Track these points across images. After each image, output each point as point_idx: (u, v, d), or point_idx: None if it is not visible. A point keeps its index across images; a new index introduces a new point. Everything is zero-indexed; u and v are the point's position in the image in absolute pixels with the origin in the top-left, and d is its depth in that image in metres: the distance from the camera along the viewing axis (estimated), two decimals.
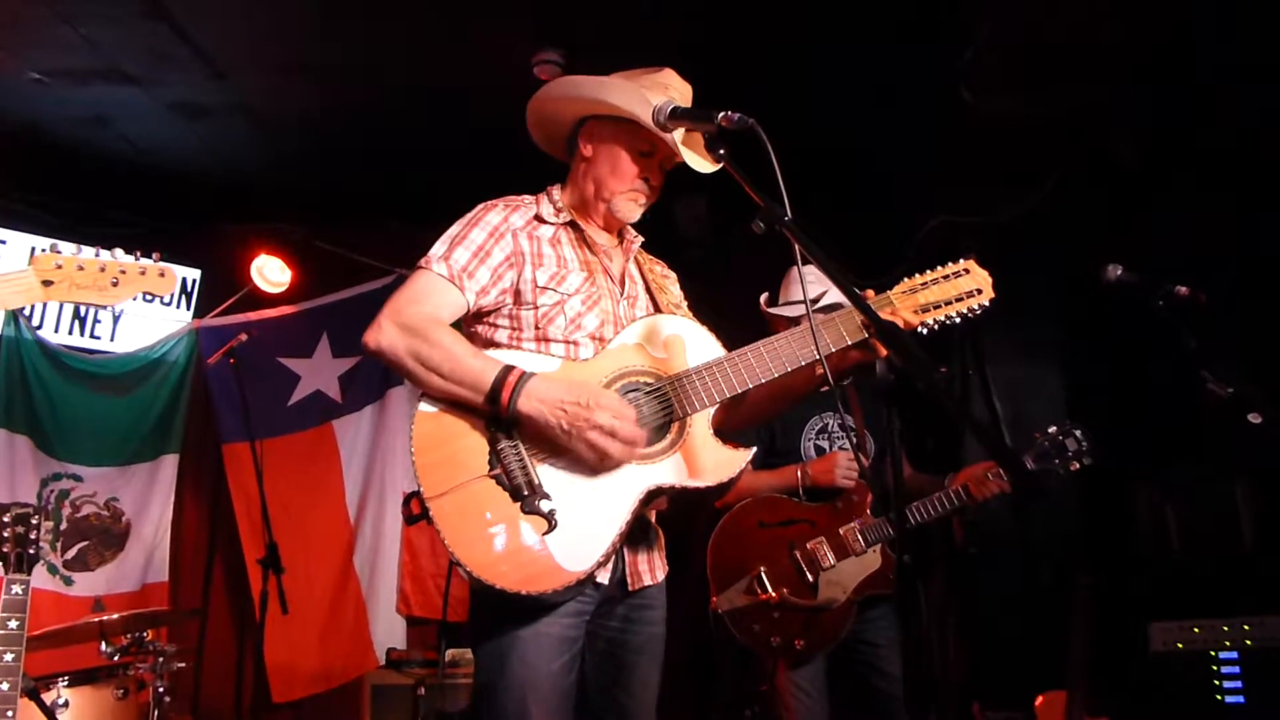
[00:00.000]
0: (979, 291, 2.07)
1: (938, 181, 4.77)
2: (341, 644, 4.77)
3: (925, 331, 2.06)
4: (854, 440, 3.08)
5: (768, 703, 3.05)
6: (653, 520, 2.16)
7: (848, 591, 2.94)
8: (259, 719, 4.36)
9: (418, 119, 4.49)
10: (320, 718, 4.75)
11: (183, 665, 3.61)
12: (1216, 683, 3.58)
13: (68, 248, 1.97)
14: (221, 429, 4.95)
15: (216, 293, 5.10)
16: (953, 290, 2.06)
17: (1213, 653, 3.61)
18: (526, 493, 1.87)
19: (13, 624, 2.41)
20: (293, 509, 4.70)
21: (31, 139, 4.60)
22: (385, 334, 1.94)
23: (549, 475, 1.90)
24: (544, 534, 1.86)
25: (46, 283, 1.88)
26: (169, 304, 5.18)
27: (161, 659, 3.42)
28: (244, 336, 4.35)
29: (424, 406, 1.93)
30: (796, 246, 1.66)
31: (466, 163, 4.65)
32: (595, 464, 1.89)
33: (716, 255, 4.82)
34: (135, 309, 5.04)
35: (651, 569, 2.11)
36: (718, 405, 1.98)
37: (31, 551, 2.51)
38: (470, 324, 2.10)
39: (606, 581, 2.00)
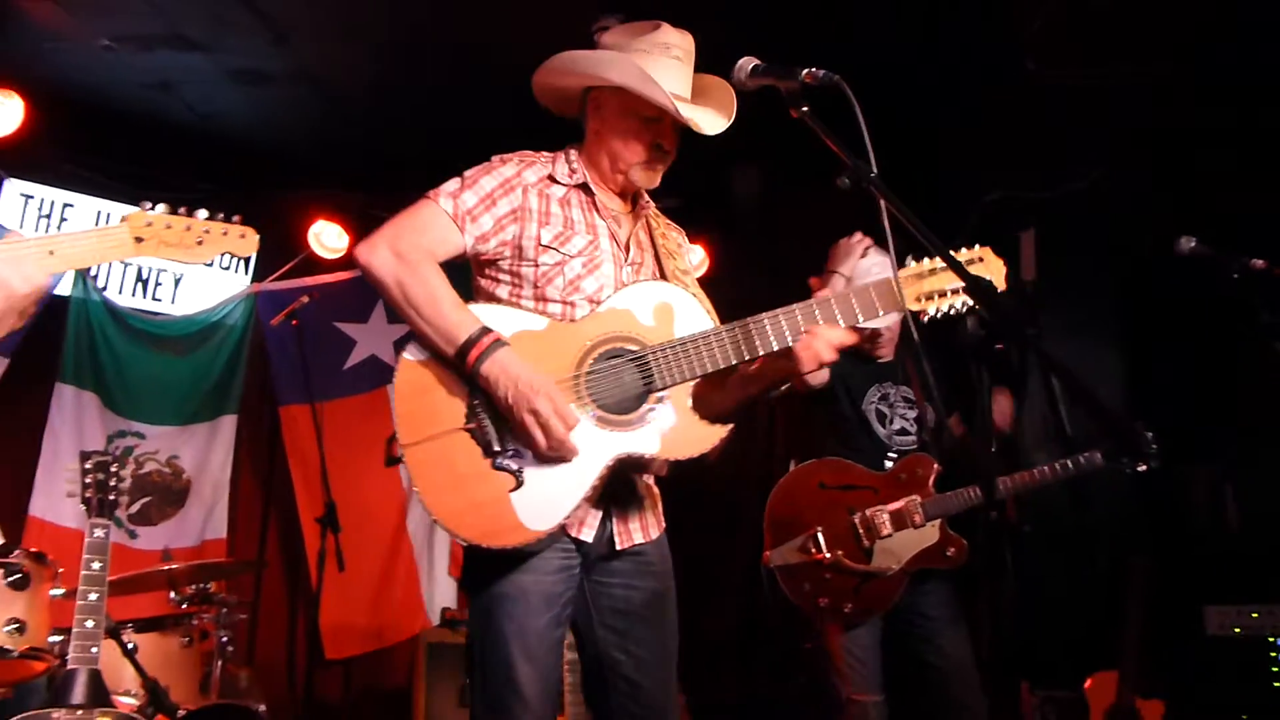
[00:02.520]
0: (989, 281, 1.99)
1: (994, 156, 4.71)
2: (394, 604, 4.86)
3: (926, 320, 2.01)
4: (936, 408, 3.06)
5: (816, 665, 3.07)
6: (649, 482, 2.19)
7: (902, 562, 2.94)
8: (313, 673, 4.47)
9: (475, 86, 4.51)
10: (377, 674, 4.86)
11: (243, 617, 3.70)
12: (1275, 669, 3.54)
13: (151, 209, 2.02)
14: (279, 392, 5.03)
15: (274, 258, 5.17)
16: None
17: (1271, 638, 3.56)
18: (498, 448, 1.93)
19: (96, 565, 2.51)
20: (347, 471, 4.76)
21: (98, 105, 4.68)
22: (378, 254, 2.01)
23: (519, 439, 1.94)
24: (510, 490, 1.92)
25: (138, 239, 1.93)
26: (227, 268, 5.28)
27: (225, 610, 3.52)
28: (305, 299, 4.42)
29: (408, 355, 2.00)
30: (883, 204, 1.65)
31: (523, 131, 4.64)
32: (527, 444, 1.92)
33: (770, 224, 4.80)
34: (195, 272, 5.14)
35: (644, 528, 2.13)
36: (697, 379, 1.99)
37: (111, 498, 2.60)
38: (476, 277, 2.15)
39: (590, 540, 2.04)
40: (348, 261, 5.15)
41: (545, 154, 2.21)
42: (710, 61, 2.23)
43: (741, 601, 3.71)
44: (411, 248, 2.01)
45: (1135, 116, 4.26)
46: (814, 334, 1.93)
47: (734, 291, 4.97)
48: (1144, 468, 2.87)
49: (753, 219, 4.75)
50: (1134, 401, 4.41)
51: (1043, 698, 3.89)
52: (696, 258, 5.20)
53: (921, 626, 3.02)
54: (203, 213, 2.07)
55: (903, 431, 3.15)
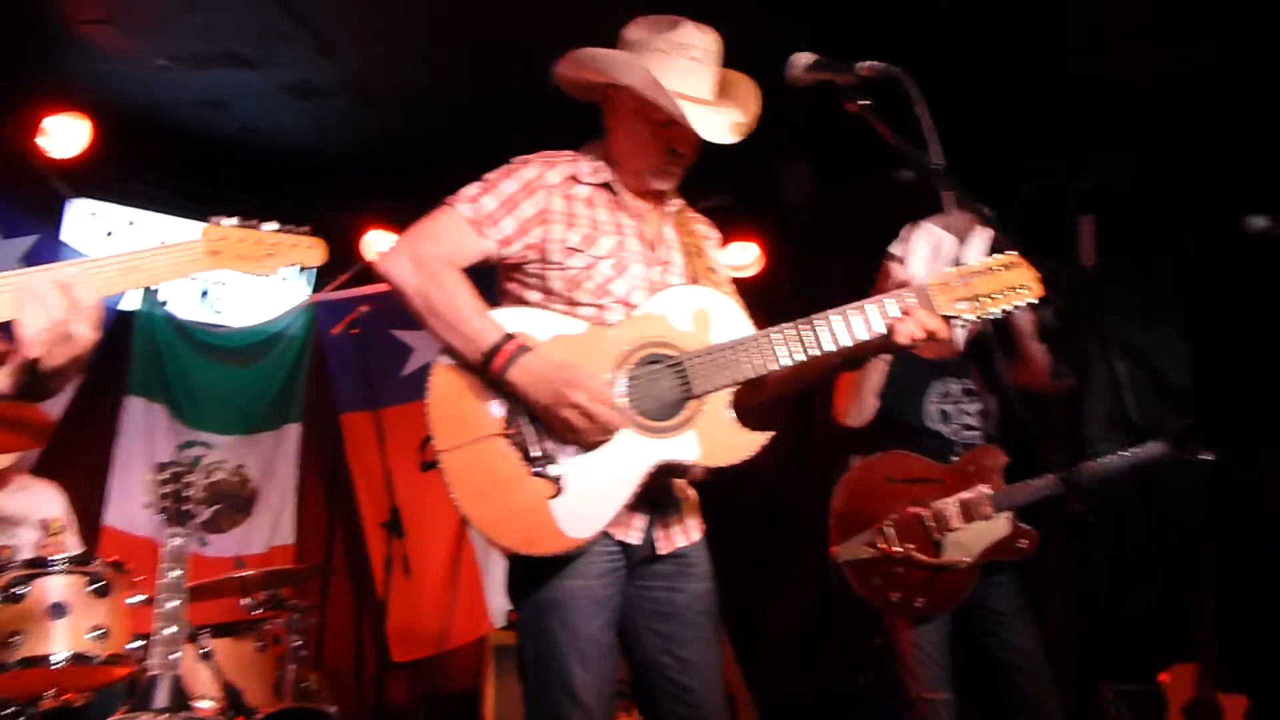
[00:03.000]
0: (1024, 288, 1.98)
1: (1036, 143, 4.62)
2: (457, 609, 4.91)
3: (963, 327, 1.99)
4: (1008, 396, 3.01)
5: (883, 660, 3.04)
6: (685, 485, 2.17)
7: (973, 555, 2.89)
8: (382, 676, 4.54)
9: (527, 93, 4.52)
10: (444, 676, 4.92)
11: (313, 622, 3.77)
12: None
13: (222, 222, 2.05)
14: (339, 400, 5.11)
15: (331, 268, 5.22)
16: (996, 284, 1.97)
17: None
18: (537, 454, 1.90)
19: (174, 573, 2.58)
20: (409, 477, 4.82)
21: (156, 123, 4.79)
22: (399, 265, 1.98)
23: (561, 440, 1.93)
24: (549, 498, 1.89)
25: (213, 253, 1.96)
26: (286, 279, 5.38)
27: (296, 615, 3.59)
28: (365, 308, 4.48)
29: (444, 359, 1.97)
30: (948, 196, 1.63)
31: (575, 139, 4.66)
32: (569, 439, 1.91)
33: (822, 219, 4.75)
34: (255, 283, 5.24)
35: (685, 531, 2.13)
36: (738, 385, 1.97)
37: (187, 507, 2.67)
38: (503, 281, 2.13)
39: (637, 543, 2.03)
40: None
41: (568, 153, 2.19)
42: (744, 58, 2.19)
43: (806, 597, 3.69)
44: (432, 255, 1.98)
45: (1176, 108, 4.15)
46: (911, 312, 1.95)
47: (789, 287, 4.96)
48: (1209, 457, 2.81)
49: (806, 215, 4.72)
50: (1201, 391, 4.31)
51: (1116, 691, 3.81)
52: (750, 255, 5.18)
53: (988, 620, 2.97)
54: (271, 224, 2.10)
55: (967, 427, 3.10)
